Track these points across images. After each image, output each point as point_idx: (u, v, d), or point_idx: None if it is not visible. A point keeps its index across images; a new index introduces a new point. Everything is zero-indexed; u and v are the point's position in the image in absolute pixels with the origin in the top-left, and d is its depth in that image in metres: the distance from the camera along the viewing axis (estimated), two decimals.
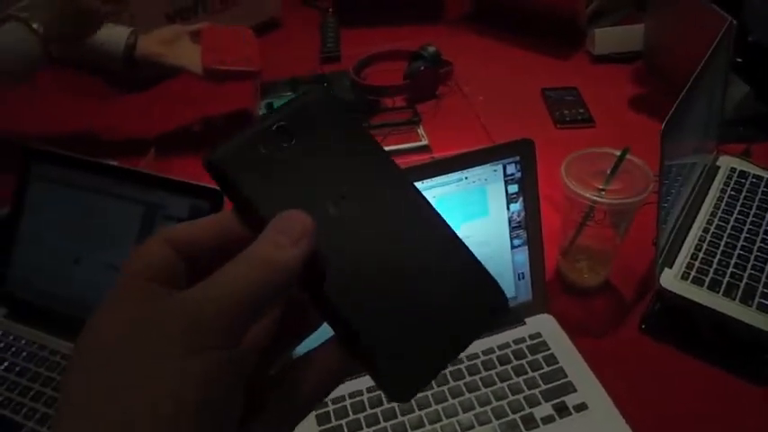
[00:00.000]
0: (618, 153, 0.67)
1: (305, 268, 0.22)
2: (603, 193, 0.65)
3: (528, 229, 0.67)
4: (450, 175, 0.63)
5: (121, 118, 1.08)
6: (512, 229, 0.66)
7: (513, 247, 0.67)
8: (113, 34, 0.93)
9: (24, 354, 0.69)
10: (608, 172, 0.67)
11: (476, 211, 0.65)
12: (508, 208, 0.66)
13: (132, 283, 0.22)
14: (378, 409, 0.61)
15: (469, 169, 0.63)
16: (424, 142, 0.98)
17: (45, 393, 0.65)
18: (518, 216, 0.66)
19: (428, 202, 0.26)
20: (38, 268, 0.72)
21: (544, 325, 0.69)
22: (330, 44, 1.26)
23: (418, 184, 0.65)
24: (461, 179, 0.63)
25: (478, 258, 0.25)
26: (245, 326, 0.21)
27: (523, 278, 0.68)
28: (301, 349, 0.26)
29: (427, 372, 0.23)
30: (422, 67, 1.08)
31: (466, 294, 0.25)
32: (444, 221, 0.25)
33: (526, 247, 0.67)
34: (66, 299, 0.70)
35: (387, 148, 0.26)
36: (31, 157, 0.72)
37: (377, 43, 1.22)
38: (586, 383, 0.63)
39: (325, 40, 1.28)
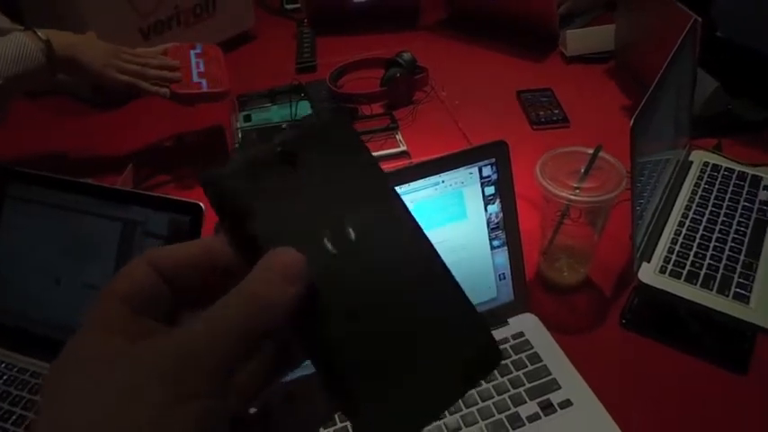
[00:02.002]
0: (590, 151, 0.68)
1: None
2: (578, 191, 0.66)
3: (506, 229, 0.68)
4: (427, 179, 0.63)
5: (96, 136, 1.07)
6: (490, 230, 0.67)
7: (492, 248, 0.68)
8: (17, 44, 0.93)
9: (5, 377, 0.68)
10: (582, 170, 0.68)
11: (454, 214, 0.65)
12: (486, 210, 0.66)
13: (115, 309, 0.21)
14: None
15: (446, 173, 0.64)
16: (403, 148, 0.99)
17: (27, 417, 0.65)
18: (496, 217, 0.67)
19: (429, 242, 0.24)
20: (17, 290, 0.71)
21: (526, 324, 0.69)
22: (306, 54, 1.27)
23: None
24: (438, 183, 0.64)
25: (466, 294, 0.24)
26: (235, 370, 0.20)
27: (504, 278, 0.69)
28: None
29: (411, 427, 0.22)
30: (398, 74, 1.09)
31: (460, 347, 0.23)
32: (443, 264, 0.24)
33: (506, 248, 0.68)
34: (48, 320, 0.70)
35: (351, 122, 0.26)
36: (7, 177, 0.72)
37: (352, 52, 1.23)
38: (570, 380, 0.64)
39: (300, 51, 1.28)
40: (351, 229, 0.23)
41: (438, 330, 0.23)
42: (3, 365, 0.69)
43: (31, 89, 0.88)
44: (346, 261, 0.22)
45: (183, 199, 0.66)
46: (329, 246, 0.22)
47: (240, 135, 1.02)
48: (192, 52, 0.98)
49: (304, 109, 1.07)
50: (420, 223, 0.24)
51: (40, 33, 0.83)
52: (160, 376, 0.19)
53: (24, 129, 1.09)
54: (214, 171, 0.23)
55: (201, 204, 0.65)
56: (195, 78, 0.94)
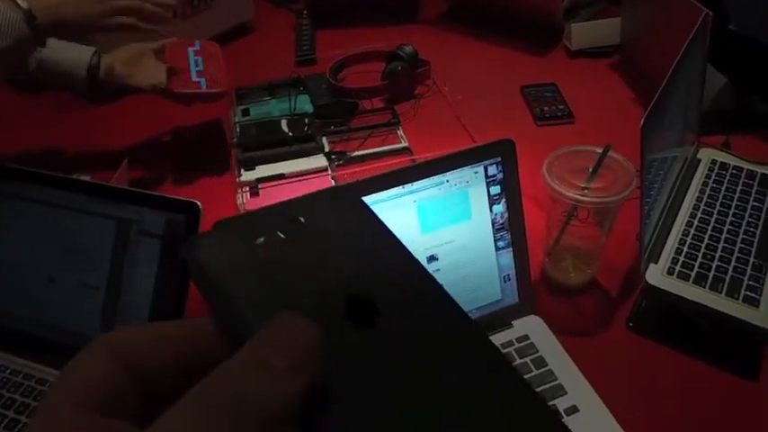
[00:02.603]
0: (599, 150, 0.67)
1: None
2: (586, 191, 0.64)
3: (512, 230, 0.66)
4: (430, 178, 0.61)
5: (90, 131, 1.05)
6: (495, 231, 0.65)
7: (497, 249, 0.66)
8: (75, 54, 0.90)
9: None
10: (590, 169, 0.66)
11: (458, 214, 0.63)
12: (491, 210, 0.65)
13: (69, 416, 0.16)
14: None
15: (450, 172, 0.62)
16: (404, 144, 0.97)
17: (20, 421, 0.63)
18: (501, 218, 0.65)
19: (468, 317, 0.19)
20: (10, 289, 0.69)
21: (531, 327, 0.68)
22: (305, 47, 1.25)
23: (397, 189, 0.64)
24: (442, 182, 0.62)
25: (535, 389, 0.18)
26: None
27: (509, 280, 0.67)
28: None
29: None
30: (399, 68, 1.07)
31: None
32: (489, 341, 0.19)
33: (511, 249, 0.66)
34: (42, 320, 0.68)
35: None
36: None
37: (353, 44, 1.21)
38: (576, 385, 0.62)
39: (300, 43, 1.26)
40: (372, 302, 0.18)
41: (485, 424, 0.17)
42: None
43: (17, 65, 0.84)
44: (370, 340, 0.17)
45: (180, 198, 0.64)
46: (346, 326, 0.18)
47: (238, 129, 1.00)
48: (190, 49, 0.95)
49: (303, 103, 1.05)
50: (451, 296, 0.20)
51: (19, 2, 0.77)
52: None
53: (16, 124, 1.07)
54: (198, 241, 0.19)
55: (198, 203, 0.63)
56: (194, 77, 0.92)
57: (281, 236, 0.19)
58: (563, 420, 0.18)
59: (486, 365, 0.18)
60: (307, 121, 0.99)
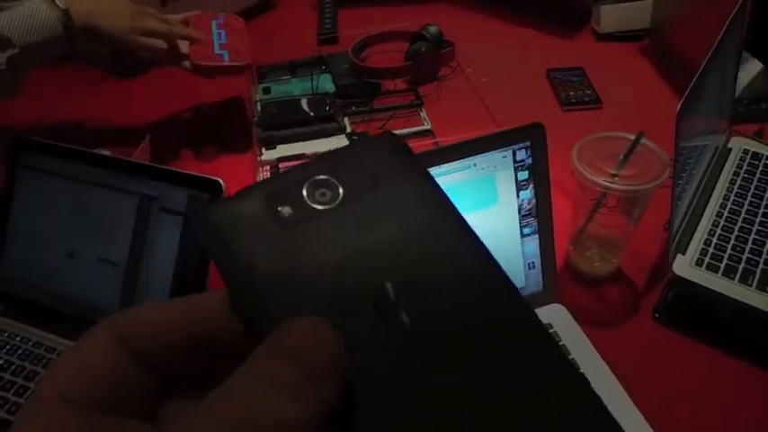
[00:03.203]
0: (631, 136, 0.65)
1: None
2: (617, 178, 0.62)
3: (538, 217, 0.64)
4: (458, 162, 0.60)
5: (112, 105, 1.04)
6: (522, 217, 0.64)
7: (522, 235, 0.65)
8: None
9: (20, 351, 0.67)
10: (620, 156, 0.64)
11: (485, 199, 0.62)
12: (518, 195, 0.63)
13: (66, 416, 0.14)
14: None
15: (478, 156, 0.61)
16: (427, 126, 0.95)
17: None
18: (528, 204, 0.64)
19: (526, 305, 0.17)
20: (30, 263, 0.70)
21: (555, 315, 0.67)
22: (328, 25, 1.23)
23: None
24: (470, 166, 0.61)
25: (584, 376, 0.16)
26: None
27: (534, 267, 0.66)
28: None
29: None
30: (423, 48, 1.04)
31: None
32: (548, 335, 0.16)
33: (537, 236, 0.65)
34: (61, 294, 0.68)
35: (406, 143, 0.20)
36: (21, 147, 0.70)
37: (376, 24, 1.19)
38: (600, 376, 0.61)
39: (322, 21, 1.24)
40: (411, 293, 0.16)
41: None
42: (18, 339, 0.68)
43: (47, 59, 0.84)
44: (404, 341, 0.15)
45: (203, 175, 0.63)
46: (376, 318, 0.15)
47: (259, 108, 0.99)
48: (213, 22, 0.94)
49: (325, 82, 1.03)
50: (506, 274, 0.17)
51: (57, 1, 0.79)
52: None
53: (39, 96, 1.06)
54: (214, 206, 0.17)
55: (221, 181, 0.62)
56: (217, 50, 0.90)
57: (309, 204, 0.17)
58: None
59: (543, 357, 0.16)
60: (328, 100, 0.97)
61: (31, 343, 0.68)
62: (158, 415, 0.16)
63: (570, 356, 0.63)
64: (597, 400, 0.16)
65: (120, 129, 0.99)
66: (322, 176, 0.17)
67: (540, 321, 0.17)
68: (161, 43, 0.87)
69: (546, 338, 0.16)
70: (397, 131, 0.94)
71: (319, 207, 0.17)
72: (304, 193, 0.17)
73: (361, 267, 0.16)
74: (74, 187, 0.68)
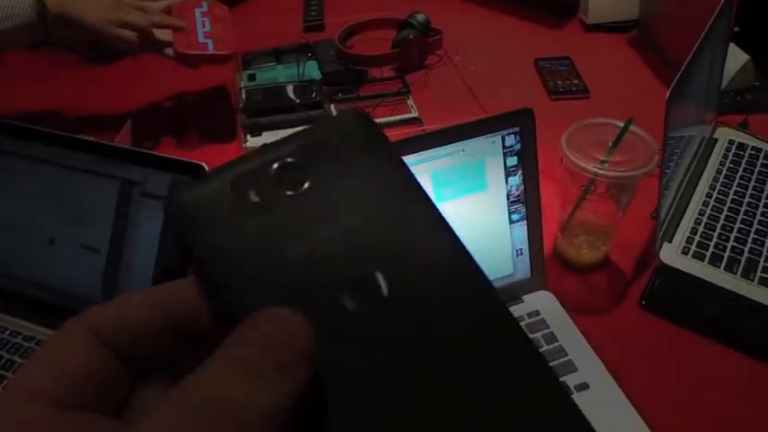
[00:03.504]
0: (620, 123, 0.65)
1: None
2: (606, 164, 0.62)
3: (527, 203, 0.64)
4: (446, 147, 0.59)
5: (92, 90, 1.02)
6: (510, 203, 0.64)
7: (511, 222, 0.64)
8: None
9: None
10: (609, 143, 0.64)
11: (473, 185, 0.62)
12: (507, 181, 0.63)
13: (32, 412, 0.14)
14: None
15: (467, 141, 0.60)
16: (414, 114, 0.95)
17: None
18: (517, 190, 0.63)
19: (497, 294, 0.16)
20: (9, 251, 0.68)
21: (543, 302, 0.66)
22: (314, 12, 1.21)
23: (411, 157, 0.62)
24: (458, 151, 0.60)
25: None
26: None
27: (522, 254, 0.66)
28: None
29: None
30: (410, 36, 1.03)
31: None
32: (521, 329, 0.16)
33: (525, 223, 0.65)
34: (41, 282, 0.66)
35: (375, 121, 0.19)
36: None
37: (362, 11, 1.17)
38: (587, 362, 0.61)
39: (308, 8, 1.22)
40: (382, 281, 0.15)
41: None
42: None
43: (20, 46, 0.82)
44: (376, 329, 0.15)
45: (185, 159, 0.62)
46: (347, 306, 0.15)
47: (244, 95, 0.97)
48: (197, 10, 0.92)
49: (311, 69, 1.02)
50: (479, 266, 0.17)
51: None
52: None
53: (17, 81, 1.04)
54: (182, 191, 0.16)
55: (204, 165, 0.61)
56: (201, 39, 0.88)
57: (277, 189, 0.16)
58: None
59: (517, 352, 0.15)
60: (315, 87, 0.96)
61: (8, 332, 0.66)
62: (132, 405, 0.16)
63: (558, 343, 0.63)
64: (568, 399, 0.15)
65: (99, 115, 0.97)
66: (289, 160, 0.17)
67: (514, 318, 0.16)
68: (134, 37, 0.84)
69: (521, 336, 0.16)
70: (384, 119, 0.93)
71: (287, 192, 0.16)
72: (271, 177, 0.16)
73: (331, 255, 0.16)
74: (52, 172, 0.66)
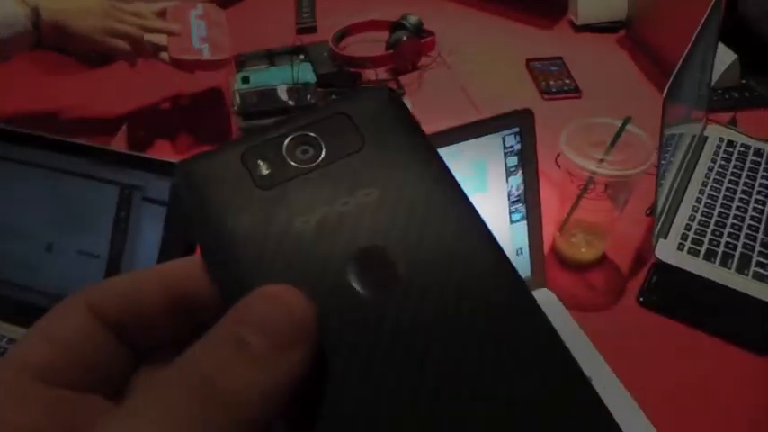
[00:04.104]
0: (617, 123, 0.66)
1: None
2: (604, 163, 0.63)
3: (527, 202, 0.65)
4: (448, 147, 0.60)
5: (87, 94, 1.01)
6: (511, 203, 0.64)
7: (511, 222, 0.65)
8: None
9: None
10: (607, 143, 0.65)
11: (474, 186, 0.62)
12: (507, 182, 0.64)
13: (30, 391, 0.13)
14: None
15: (468, 141, 0.61)
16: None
17: None
18: (517, 190, 0.64)
19: (519, 278, 0.15)
20: (6, 256, 0.67)
21: (543, 300, 0.67)
22: (306, 14, 1.21)
23: None
24: (460, 152, 0.61)
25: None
26: None
27: (522, 254, 0.67)
28: None
29: None
30: (404, 38, 1.04)
31: None
32: (542, 313, 0.15)
33: (525, 222, 0.66)
34: (39, 288, 0.66)
35: (402, 98, 0.19)
36: None
37: (354, 13, 1.17)
38: (588, 357, 0.62)
39: (300, 10, 1.22)
40: (393, 262, 0.15)
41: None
42: None
43: (14, 54, 0.82)
44: (384, 313, 0.14)
45: None
46: (355, 285, 0.14)
47: (238, 98, 0.97)
48: (192, 13, 0.91)
49: (305, 71, 1.02)
50: (506, 255, 0.15)
51: None
52: None
53: (11, 85, 1.02)
54: (190, 162, 0.16)
55: None
56: (196, 44, 0.87)
57: (289, 161, 0.16)
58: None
59: (532, 337, 0.15)
60: (309, 90, 0.96)
61: (5, 339, 0.65)
62: (132, 388, 0.15)
63: None
64: (594, 394, 0.15)
65: (94, 118, 0.96)
66: (304, 132, 0.16)
67: (540, 308, 0.15)
68: (127, 47, 0.85)
69: (549, 335, 0.15)
70: None
71: (299, 165, 0.16)
72: (284, 149, 0.16)
73: (340, 232, 0.15)
74: (50, 177, 0.65)
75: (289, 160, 0.16)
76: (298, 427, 0.13)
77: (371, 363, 0.13)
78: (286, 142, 0.16)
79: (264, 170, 0.15)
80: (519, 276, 0.16)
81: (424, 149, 0.17)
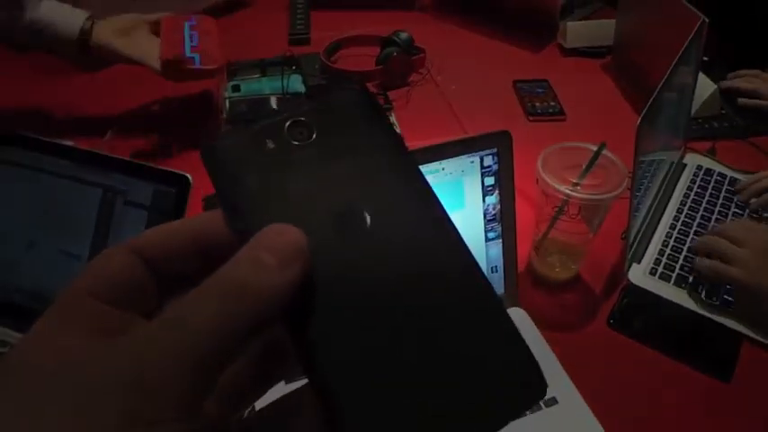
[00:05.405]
0: (593, 148, 0.67)
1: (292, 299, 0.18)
2: (578, 187, 0.65)
3: (503, 222, 0.66)
4: (427, 165, 0.61)
5: (75, 97, 1.02)
6: (487, 222, 0.66)
7: (487, 240, 0.66)
8: (69, 17, 0.88)
9: None
10: (583, 166, 0.66)
11: (452, 203, 0.63)
12: (484, 200, 0.65)
13: (81, 303, 0.18)
14: None
15: (447, 160, 0.62)
16: (396, 130, 0.96)
17: None
18: (493, 209, 0.66)
19: (459, 236, 0.21)
20: None
21: (515, 318, 0.67)
22: (299, 26, 1.23)
23: None
24: (438, 170, 0.62)
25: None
26: (209, 383, 0.17)
27: (497, 271, 0.68)
28: None
29: None
30: (394, 53, 1.06)
31: (494, 372, 0.19)
32: (476, 264, 0.20)
33: (500, 241, 0.67)
34: (18, 287, 0.66)
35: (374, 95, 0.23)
36: None
37: (347, 27, 1.19)
38: (556, 378, 0.63)
39: (294, 22, 1.24)
40: (365, 214, 0.20)
41: (467, 348, 0.19)
42: None
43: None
44: (357, 250, 0.19)
45: (171, 170, 0.63)
46: (337, 230, 0.20)
47: (228, 105, 0.98)
48: (186, 24, 0.93)
49: (295, 82, 1.03)
50: (448, 213, 0.21)
51: (94, 23, 0.88)
52: (114, 394, 0.15)
53: (1, 86, 1.03)
54: (217, 139, 0.21)
55: (189, 176, 0.62)
56: (188, 53, 0.89)
57: (289, 140, 0.21)
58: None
59: (465, 279, 0.20)
60: (298, 101, 0.98)
61: None
62: (162, 310, 0.19)
63: None
64: (515, 331, 0.20)
65: (82, 121, 0.97)
66: (300, 118, 0.21)
67: (478, 267, 0.20)
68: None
69: (484, 284, 0.20)
70: None
71: (297, 142, 0.21)
72: (285, 130, 0.21)
73: (328, 190, 0.20)
74: (35, 178, 0.66)
75: (288, 138, 0.21)
76: (293, 326, 0.18)
77: (347, 281, 0.19)
78: (287, 125, 0.21)
79: (271, 144, 0.21)
80: (457, 235, 0.21)
81: (389, 132, 0.22)
